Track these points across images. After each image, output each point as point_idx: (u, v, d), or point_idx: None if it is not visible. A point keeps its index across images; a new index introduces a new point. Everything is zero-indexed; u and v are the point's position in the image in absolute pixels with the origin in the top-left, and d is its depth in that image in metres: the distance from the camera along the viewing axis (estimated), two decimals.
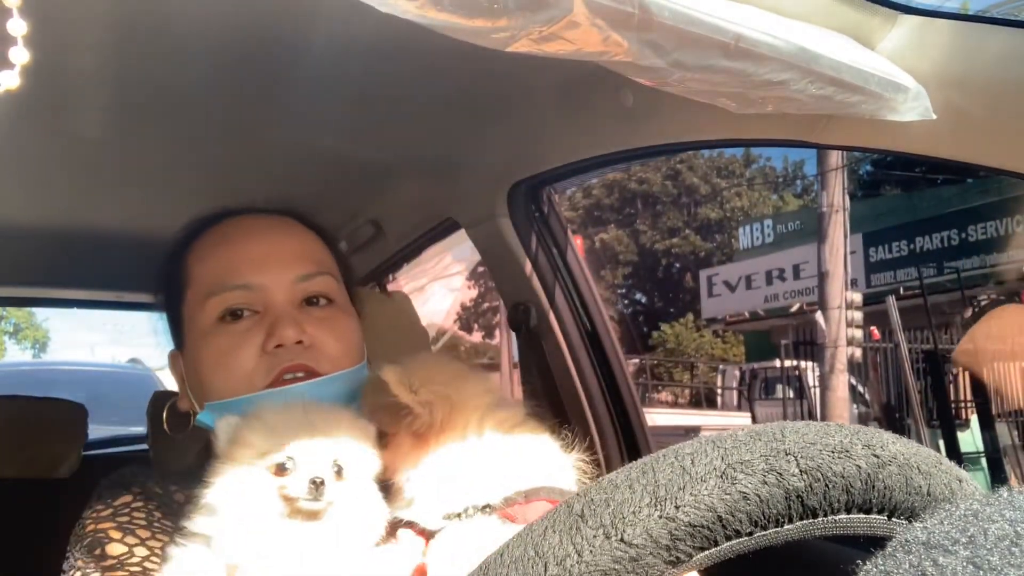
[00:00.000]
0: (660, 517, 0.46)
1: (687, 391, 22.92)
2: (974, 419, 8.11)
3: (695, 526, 0.46)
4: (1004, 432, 7.57)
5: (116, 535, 1.03)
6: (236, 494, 0.89)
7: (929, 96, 1.00)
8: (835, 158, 11.88)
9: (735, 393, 18.36)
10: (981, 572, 0.36)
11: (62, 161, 1.82)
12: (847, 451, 0.49)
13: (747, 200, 27.65)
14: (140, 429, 3.35)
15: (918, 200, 18.02)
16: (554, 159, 1.76)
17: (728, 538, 0.47)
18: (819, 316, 12.18)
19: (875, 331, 12.52)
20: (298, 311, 1.14)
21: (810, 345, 13.20)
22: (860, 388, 12.73)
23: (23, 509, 2.15)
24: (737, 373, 18.89)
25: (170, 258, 1.25)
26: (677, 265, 27.63)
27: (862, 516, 0.49)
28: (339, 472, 0.90)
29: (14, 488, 2.21)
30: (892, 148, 1.11)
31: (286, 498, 0.87)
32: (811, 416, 12.48)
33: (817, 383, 12.58)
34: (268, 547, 0.86)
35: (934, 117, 0.99)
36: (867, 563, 0.41)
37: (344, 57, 1.35)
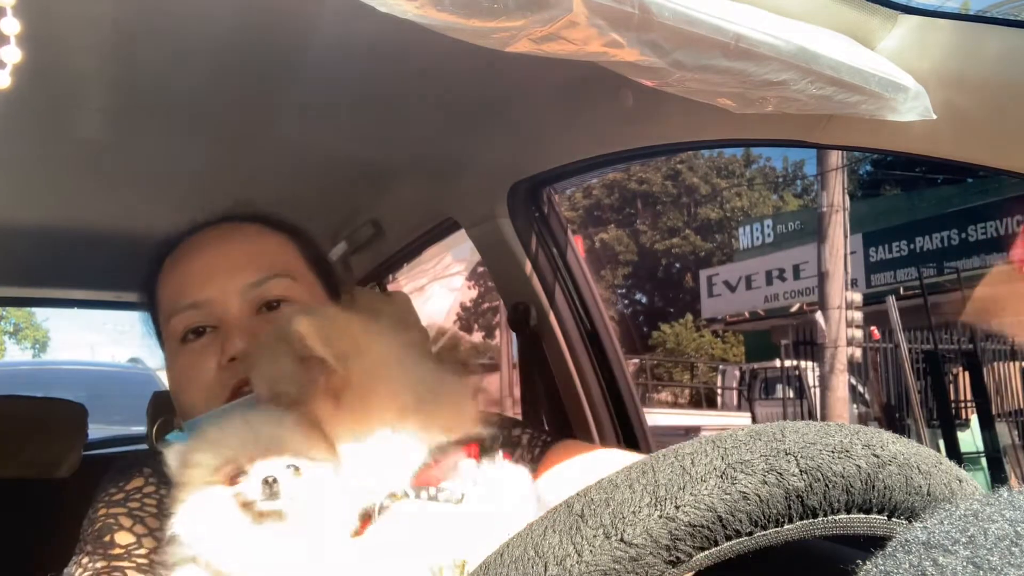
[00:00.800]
0: (660, 517, 0.46)
1: (687, 391, 22.93)
2: (974, 419, 8.14)
3: (695, 526, 0.46)
4: (1004, 432, 7.59)
5: (126, 523, 1.03)
6: (200, 516, 0.88)
7: (929, 96, 1.00)
8: (835, 158, 11.87)
9: (735, 393, 18.37)
10: (981, 572, 0.36)
11: (63, 161, 1.82)
12: (847, 451, 0.49)
13: (747, 200, 27.66)
14: (140, 429, 3.36)
15: (918, 200, 18.04)
16: (554, 159, 1.76)
17: (728, 538, 0.47)
18: (819, 316, 12.15)
19: (875, 331, 12.53)
20: (254, 319, 1.12)
21: (810, 345, 13.17)
22: (860, 388, 12.73)
23: (23, 509, 2.15)
24: (737, 373, 18.91)
25: (144, 282, 1.26)
26: (677, 265, 27.63)
27: (862, 516, 0.49)
28: (296, 469, 0.88)
29: (14, 488, 2.21)
30: (892, 148, 1.11)
31: (244, 504, 0.86)
32: (811, 416, 12.48)
33: (817, 383, 12.56)
34: (246, 557, 0.85)
35: (934, 117, 0.99)
36: (867, 563, 0.41)
37: (344, 57, 1.35)
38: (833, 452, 0.49)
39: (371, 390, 0.89)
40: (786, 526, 0.47)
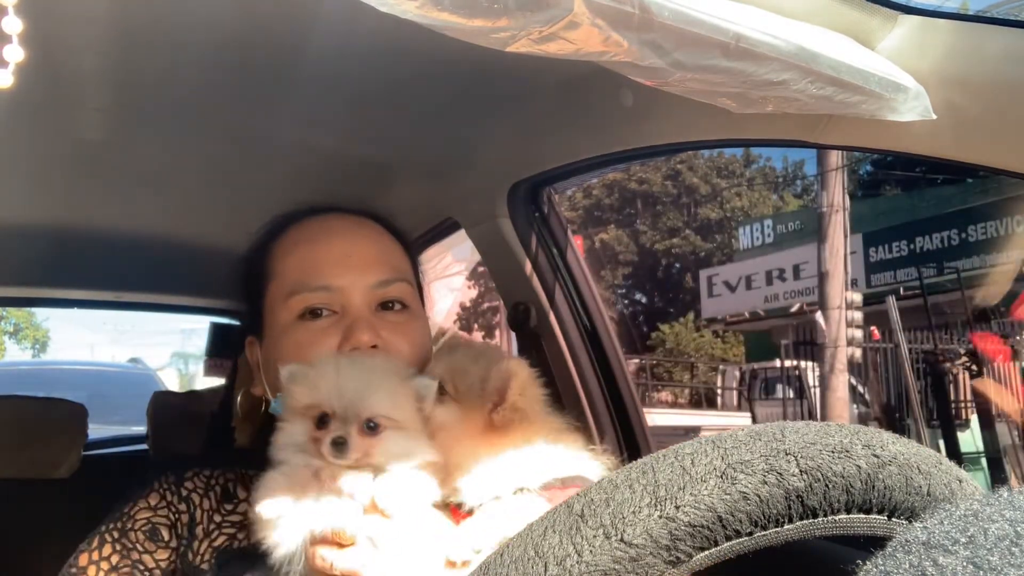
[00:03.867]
0: (660, 517, 0.46)
1: (687, 391, 22.94)
2: (974, 419, 8.13)
3: (695, 526, 0.46)
4: (1004, 432, 7.58)
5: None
6: (287, 445, 0.98)
7: (929, 96, 1.00)
8: (835, 158, 11.92)
9: (735, 393, 18.39)
10: (981, 572, 0.36)
11: (63, 161, 1.82)
12: (847, 451, 0.49)
13: (747, 200, 27.67)
14: (140, 429, 3.36)
15: (918, 200, 18.05)
16: (554, 159, 1.76)
17: (728, 538, 0.46)
18: (819, 316, 12.19)
19: (875, 331, 12.54)
20: (374, 315, 1.18)
21: (810, 345, 13.22)
22: (860, 388, 12.74)
23: (23, 509, 2.15)
24: (737, 373, 18.93)
25: (255, 251, 1.29)
26: (677, 265, 27.64)
27: (862, 516, 0.49)
28: (374, 428, 0.96)
29: (14, 488, 2.21)
30: (892, 148, 1.11)
31: (321, 454, 0.94)
32: (811, 416, 12.51)
33: (817, 383, 12.61)
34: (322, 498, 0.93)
35: (934, 117, 0.99)
36: (867, 563, 0.41)
37: (344, 57, 1.35)
38: (833, 452, 0.49)
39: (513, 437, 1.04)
40: (786, 526, 0.47)
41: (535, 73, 1.44)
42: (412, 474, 0.97)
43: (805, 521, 0.47)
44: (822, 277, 12.08)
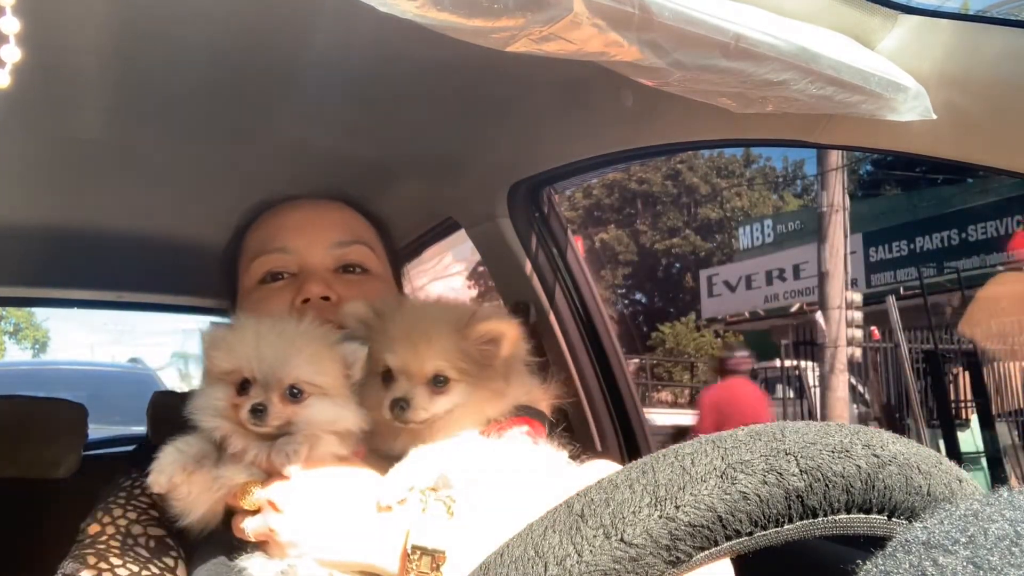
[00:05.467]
0: (660, 517, 0.46)
1: (687, 391, 22.95)
2: (974, 419, 8.16)
3: (695, 526, 0.46)
4: (1004, 432, 7.60)
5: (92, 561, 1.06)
6: (207, 408, 0.96)
7: (929, 96, 1.00)
8: (835, 158, 11.94)
9: None
10: (981, 572, 0.36)
11: (62, 161, 1.82)
12: (847, 451, 0.49)
13: (747, 200, 27.66)
14: (140, 429, 3.36)
15: (918, 200, 18.07)
16: (554, 159, 1.76)
17: (728, 538, 0.46)
18: (819, 316, 12.20)
19: (875, 331, 12.56)
20: (331, 274, 1.20)
21: (810, 345, 13.21)
22: (860, 388, 12.73)
23: (23, 508, 2.15)
24: None
25: (231, 240, 1.33)
26: (678, 265, 27.65)
27: (862, 516, 0.49)
28: (297, 395, 0.93)
29: (14, 488, 2.21)
30: (892, 148, 1.11)
31: (241, 422, 0.92)
32: (811, 416, 12.52)
33: (817, 383, 12.62)
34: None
35: (934, 117, 0.99)
36: (867, 563, 0.41)
37: (344, 57, 1.35)
38: (833, 452, 0.49)
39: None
40: (786, 526, 0.47)
41: (535, 73, 1.44)
42: (312, 435, 0.94)
43: (805, 521, 0.47)
44: (822, 277, 12.08)
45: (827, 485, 0.48)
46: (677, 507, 0.46)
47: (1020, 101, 0.95)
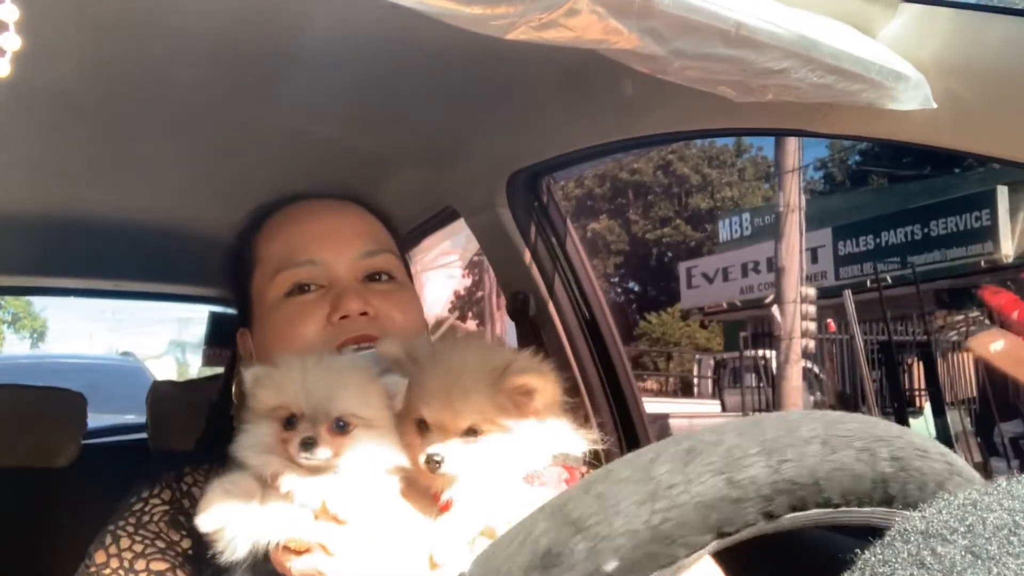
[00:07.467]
0: (766, 466, 0.47)
1: (669, 380, 23.37)
2: (927, 407, 8.69)
3: (796, 483, 0.47)
4: (956, 419, 8.11)
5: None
6: (253, 446, 0.96)
7: (929, 84, 0.99)
8: (792, 159, 12.94)
9: (710, 382, 18.83)
10: (980, 561, 0.36)
11: (59, 150, 1.81)
12: (926, 451, 0.50)
13: (737, 191, 27.74)
14: (133, 417, 3.40)
15: (886, 195, 18.70)
16: (554, 148, 1.76)
17: (818, 505, 0.47)
18: (775, 310, 13.05)
19: (831, 323, 13.52)
20: (361, 285, 1.19)
21: (767, 337, 14.06)
22: (817, 371, 13.76)
23: (23, 498, 2.15)
24: (712, 363, 19.52)
25: (238, 242, 1.30)
26: (669, 254, 27.71)
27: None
28: (343, 427, 0.94)
29: (14, 477, 2.21)
30: (892, 137, 1.11)
31: (290, 457, 0.93)
32: (769, 403, 13.35)
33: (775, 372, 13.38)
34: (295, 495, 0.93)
35: (934, 106, 0.99)
36: (866, 552, 0.41)
37: (343, 46, 1.35)
38: (916, 449, 0.50)
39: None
40: (865, 507, 0.48)
41: (534, 61, 1.43)
42: (366, 475, 0.95)
43: (883, 508, 0.49)
44: (778, 272, 12.90)
45: (909, 477, 0.49)
46: (782, 461, 0.47)
47: (1020, 90, 0.95)
